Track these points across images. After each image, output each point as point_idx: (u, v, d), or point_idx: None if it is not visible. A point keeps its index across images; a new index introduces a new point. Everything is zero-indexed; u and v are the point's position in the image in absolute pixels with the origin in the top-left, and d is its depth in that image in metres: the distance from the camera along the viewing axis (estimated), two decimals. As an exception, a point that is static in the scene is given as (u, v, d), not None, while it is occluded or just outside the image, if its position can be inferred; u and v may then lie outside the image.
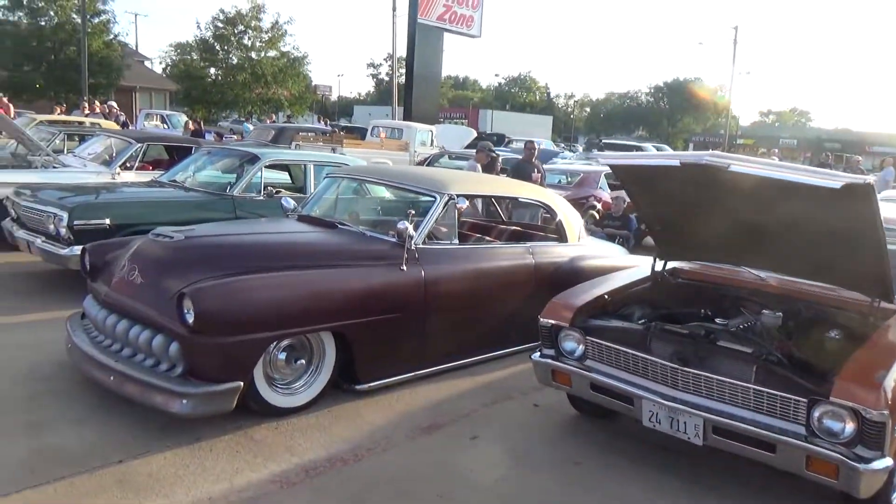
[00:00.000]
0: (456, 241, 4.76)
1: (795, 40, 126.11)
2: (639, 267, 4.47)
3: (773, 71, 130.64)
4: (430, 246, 4.51)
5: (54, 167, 8.18)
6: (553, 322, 3.69)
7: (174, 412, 3.41)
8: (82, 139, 11.63)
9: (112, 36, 31.02)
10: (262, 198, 6.70)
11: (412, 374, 4.41)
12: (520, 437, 3.91)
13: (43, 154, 8.24)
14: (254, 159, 6.89)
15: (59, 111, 17.07)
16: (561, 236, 5.63)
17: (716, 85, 78.52)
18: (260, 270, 3.80)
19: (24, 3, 29.14)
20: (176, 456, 3.36)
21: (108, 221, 5.75)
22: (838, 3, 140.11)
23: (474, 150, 16.18)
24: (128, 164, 8.34)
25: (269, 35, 36.59)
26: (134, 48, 42.04)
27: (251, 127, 26.34)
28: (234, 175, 7.36)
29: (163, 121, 21.58)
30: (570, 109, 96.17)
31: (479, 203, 7.11)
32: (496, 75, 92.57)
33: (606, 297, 3.86)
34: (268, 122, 26.79)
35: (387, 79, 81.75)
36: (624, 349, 3.44)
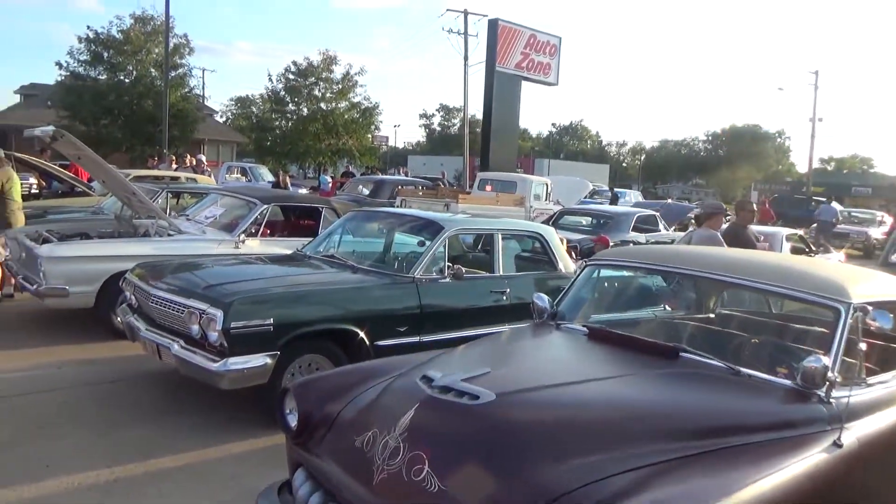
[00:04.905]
0: (864, 375, 2.95)
1: (856, 85, 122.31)
2: None
3: (831, 117, 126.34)
4: (849, 394, 2.70)
5: (170, 234, 6.75)
6: None
7: None
8: (178, 196, 10.41)
9: (188, 89, 30.81)
10: (448, 279, 5.04)
11: None
12: None
13: (158, 218, 6.82)
14: (436, 229, 5.25)
15: (151, 164, 16.05)
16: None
17: (775, 131, 76.01)
18: (634, 463, 2.08)
19: (105, 58, 29.20)
20: None
21: (271, 322, 4.13)
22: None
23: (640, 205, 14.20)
24: (252, 230, 6.88)
25: (340, 86, 36.12)
26: (203, 102, 42.39)
27: (329, 179, 25.36)
28: (387, 245, 5.80)
29: (244, 173, 20.52)
30: (621, 157, 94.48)
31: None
32: (552, 125, 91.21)
33: None
34: (349, 170, 25.64)
35: (439, 129, 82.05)
36: None
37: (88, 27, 29.50)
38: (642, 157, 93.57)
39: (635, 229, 11.93)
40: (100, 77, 29.33)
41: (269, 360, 4.09)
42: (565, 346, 3.13)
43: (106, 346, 5.73)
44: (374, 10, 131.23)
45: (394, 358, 3.18)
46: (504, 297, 5.25)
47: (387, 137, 68.89)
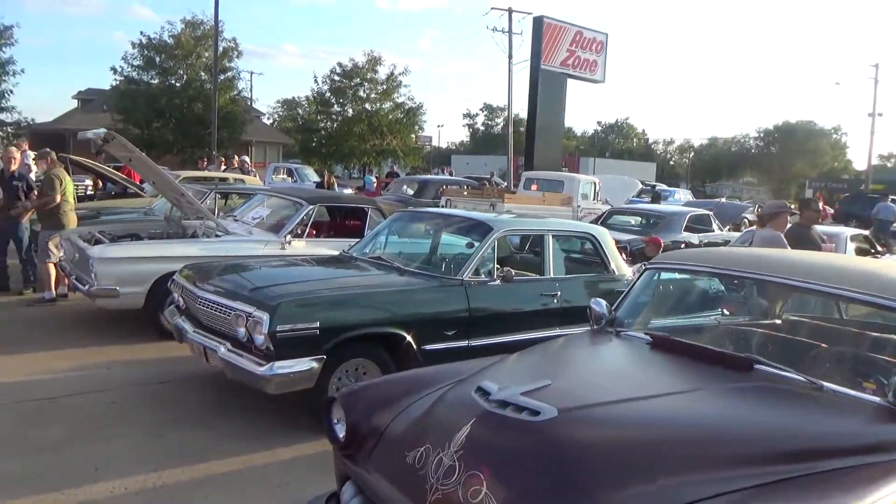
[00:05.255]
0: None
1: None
2: None
3: (892, 111, 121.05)
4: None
5: (217, 235, 6.77)
6: None
7: None
8: (226, 197, 10.50)
9: (236, 92, 31.36)
10: (497, 282, 4.88)
11: None
12: None
13: (206, 219, 6.84)
14: (484, 230, 5.09)
15: (201, 165, 16.37)
16: None
17: (831, 127, 73.10)
18: (711, 490, 1.89)
19: (157, 62, 29.95)
20: None
21: (318, 325, 4.05)
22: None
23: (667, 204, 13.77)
24: (298, 231, 6.85)
25: (385, 87, 36.29)
26: (250, 104, 43.16)
27: (374, 179, 25.45)
28: (434, 246, 5.67)
29: (290, 174, 20.72)
30: (668, 156, 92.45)
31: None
32: (598, 122, 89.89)
33: None
34: (394, 170, 25.72)
35: (483, 128, 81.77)
36: None
37: (142, 33, 30.35)
38: (690, 155, 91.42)
39: (687, 229, 11.51)
40: (152, 81, 30.12)
41: (315, 364, 4.01)
42: (627, 355, 2.93)
43: (154, 347, 5.76)
44: (418, 11, 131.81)
45: (443, 366, 3.04)
46: (555, 301, 5.07)
47: (430, 137, 68.88)
